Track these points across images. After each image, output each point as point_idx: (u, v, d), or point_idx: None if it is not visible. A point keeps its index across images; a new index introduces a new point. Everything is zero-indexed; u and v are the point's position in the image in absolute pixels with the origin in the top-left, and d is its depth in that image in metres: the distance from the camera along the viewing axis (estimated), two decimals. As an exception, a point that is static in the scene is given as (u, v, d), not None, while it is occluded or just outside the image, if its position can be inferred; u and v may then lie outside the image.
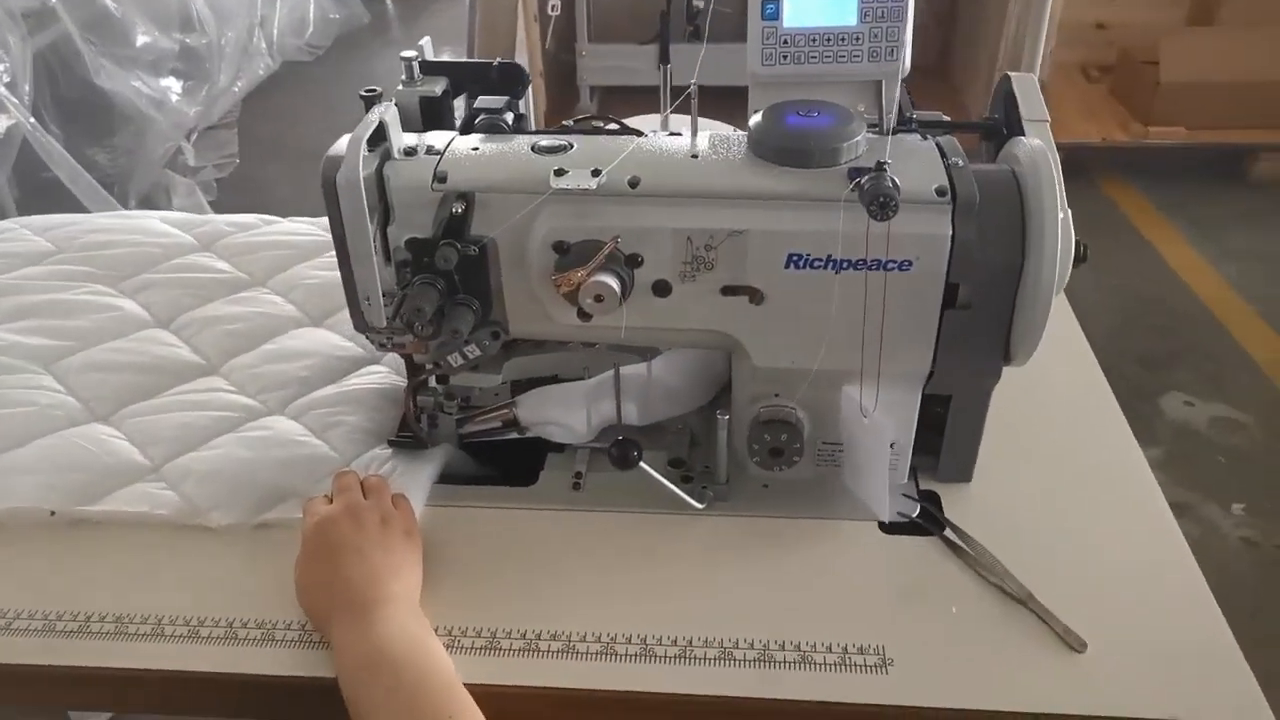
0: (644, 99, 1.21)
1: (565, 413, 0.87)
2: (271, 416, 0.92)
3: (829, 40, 0.77)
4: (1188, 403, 2.10)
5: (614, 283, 0.71)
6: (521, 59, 3.18)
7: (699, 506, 0.81)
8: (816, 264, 0.71)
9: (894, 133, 0.77)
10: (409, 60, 0.85)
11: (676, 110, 0.80)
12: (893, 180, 0.67)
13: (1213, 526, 1.80)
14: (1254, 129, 2.79)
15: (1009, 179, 0.73)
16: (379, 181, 0.75)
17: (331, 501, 0.78)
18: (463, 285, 0.77)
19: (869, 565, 0.78)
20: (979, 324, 0.73)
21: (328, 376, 0.96)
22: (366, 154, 0.75)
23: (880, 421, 0.76)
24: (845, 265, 0.71)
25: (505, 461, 0.90)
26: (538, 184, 0.72)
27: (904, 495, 0.82)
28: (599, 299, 0.72)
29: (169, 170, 2.96)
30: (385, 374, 0.96)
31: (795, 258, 0.71)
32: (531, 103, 0.92)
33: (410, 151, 0.76)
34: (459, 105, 0.91)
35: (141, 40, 2.93)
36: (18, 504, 0.82)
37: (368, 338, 0.82)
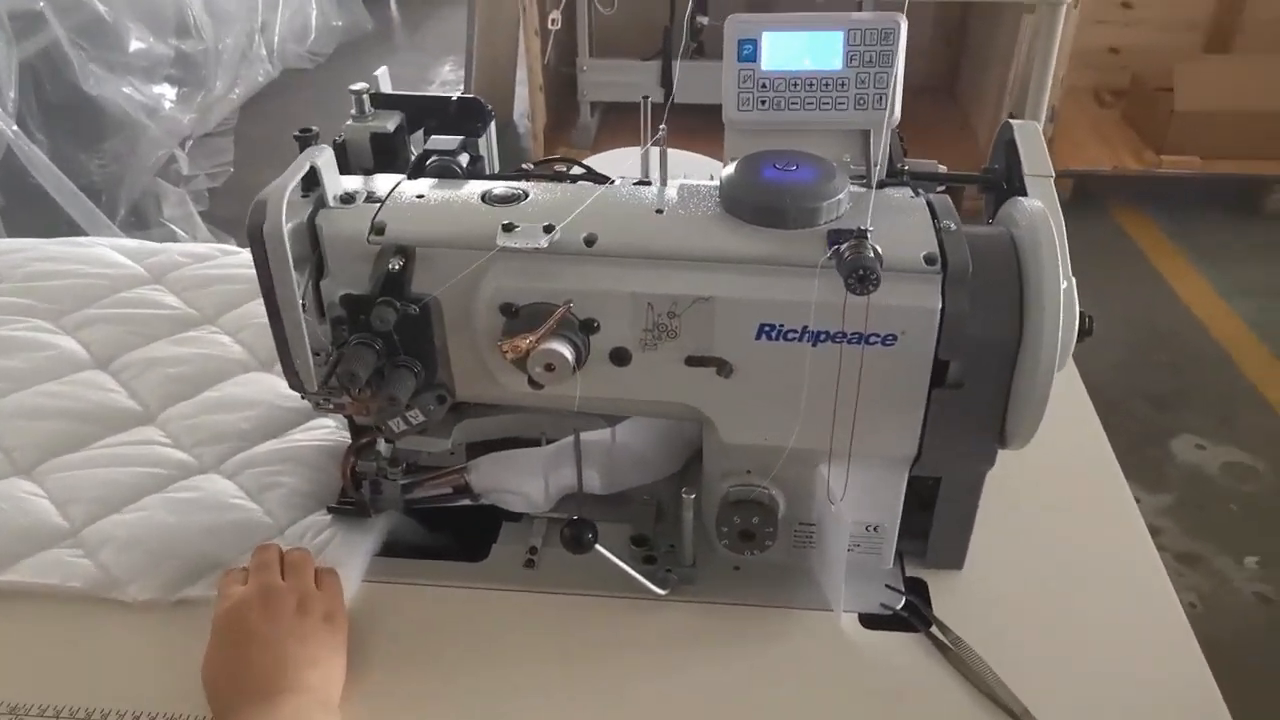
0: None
1: (522, 481, 0.80)
2: (205, 475, 0.85)
3: (811, 85, 0.70)
4: (1199, 446, 2.01)
5: (566, 351, 0.64)
6: (522, 72, 3.11)
7: (660, 593, 0.74)
8: (791, 335, 0.64)
9: (882, 186, 0.70)
10: (359, 93, 0.79)
11: (658, 143, 0.73)
12: (875, 250, 0.60)
13: (1224, 580, 1.71)
14: (1270, 160, 2.70)
15: (1006, 244, 0.65)
16: (311, 231, 0.68)
17: (248, 579, 0.71)
18: (403, 346, 0.70)
19: (846, 663, 0.70)
20: (971, 405, 0.66)
21: (270, 429, 0.89)
22: (300, 198, 0.68)
23: (840, 508, 0.69)
24: (823, 338, 0.64)
25: (456, 527, 0.83)
26: (484, 239, 0.65)
27: (888, 585, 0.75)
28: (549, 368, 0.65)
29: (160, 179, 2.90)
30: (333, 429, 0.89)
31: (767, 329, 0.64)
32: (494, 141, 0.85)
33: (348, 198, 0.69)
34: (419, 140, 0.84)
35: (135, 46, 2.87)
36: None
37: (303, 397, 0.75)
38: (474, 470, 0.81)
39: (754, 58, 0.70)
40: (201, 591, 0.74)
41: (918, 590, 0.75)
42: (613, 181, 0.75)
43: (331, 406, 0.75)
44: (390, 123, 0.79)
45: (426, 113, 0.82)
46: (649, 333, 0.66)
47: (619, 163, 1.13)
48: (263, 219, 0.65)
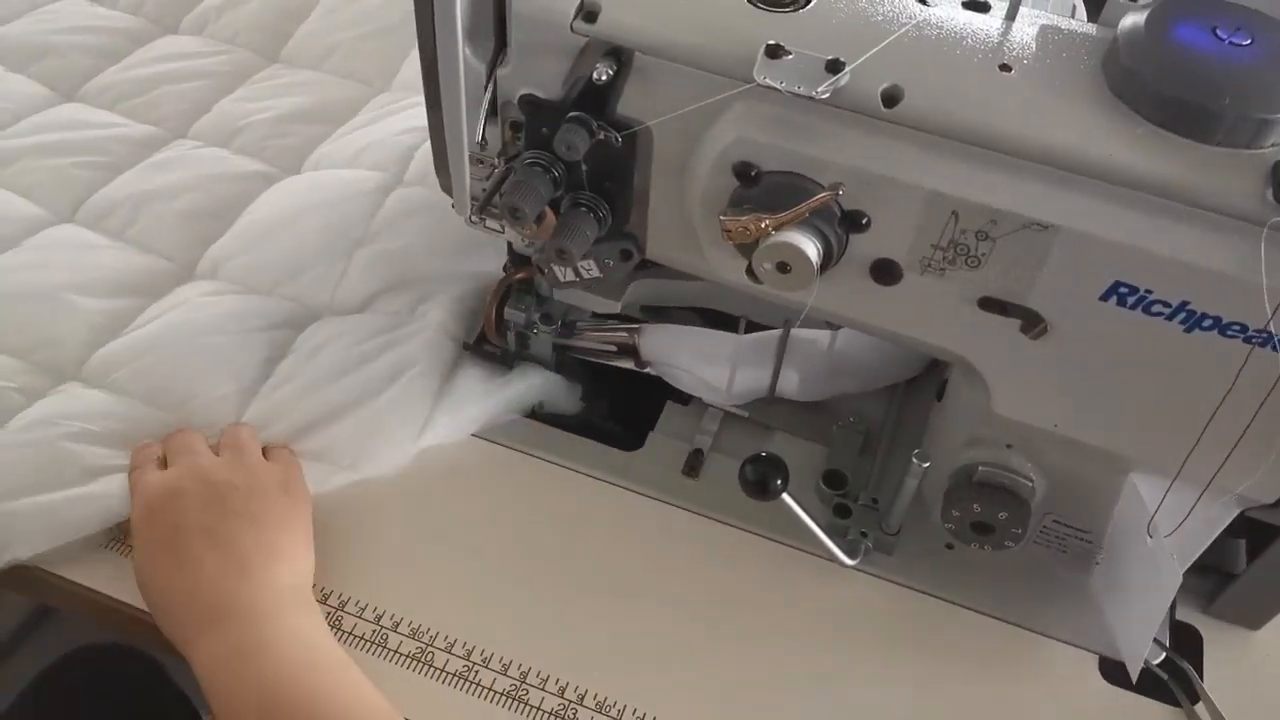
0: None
1: (702, 364, 0.62)
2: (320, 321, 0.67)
3: (1307, -97, 0.43)
4: None
5: (812, 249, 0.44)
6: None
7: (849, 563, 0.57)
8: (1157, 310, 0.42)
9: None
10: None
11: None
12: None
13: None
14: None
15: None
16: (498, -3, 0.48)
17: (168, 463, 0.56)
18: (590, 181, 0.51)
19: (1068, 720, 0.53)
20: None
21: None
22: (493, -59, 0.48)
23: (1168, 552, 0.49)
24: (1208, 325, 0.42)
25: (611, 397, 0.67)
26: (736, 61, 0.44)
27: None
28: (783, 267, 0.45)
29: None
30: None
31: (1124, 290, 0.42)
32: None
33: (560, -45, 0.48)
34: None
35: None
36: None
37: (453, 207, 0.58)
38: (646, 334, 0.64)
39: None
40: None
41: (1188, 644, 0.56)
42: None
43: (484, 225, 0.58)
44: None
45: None
46: (940, 251, 0.45)
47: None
48: (432, -35, 0.45)
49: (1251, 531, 0.53)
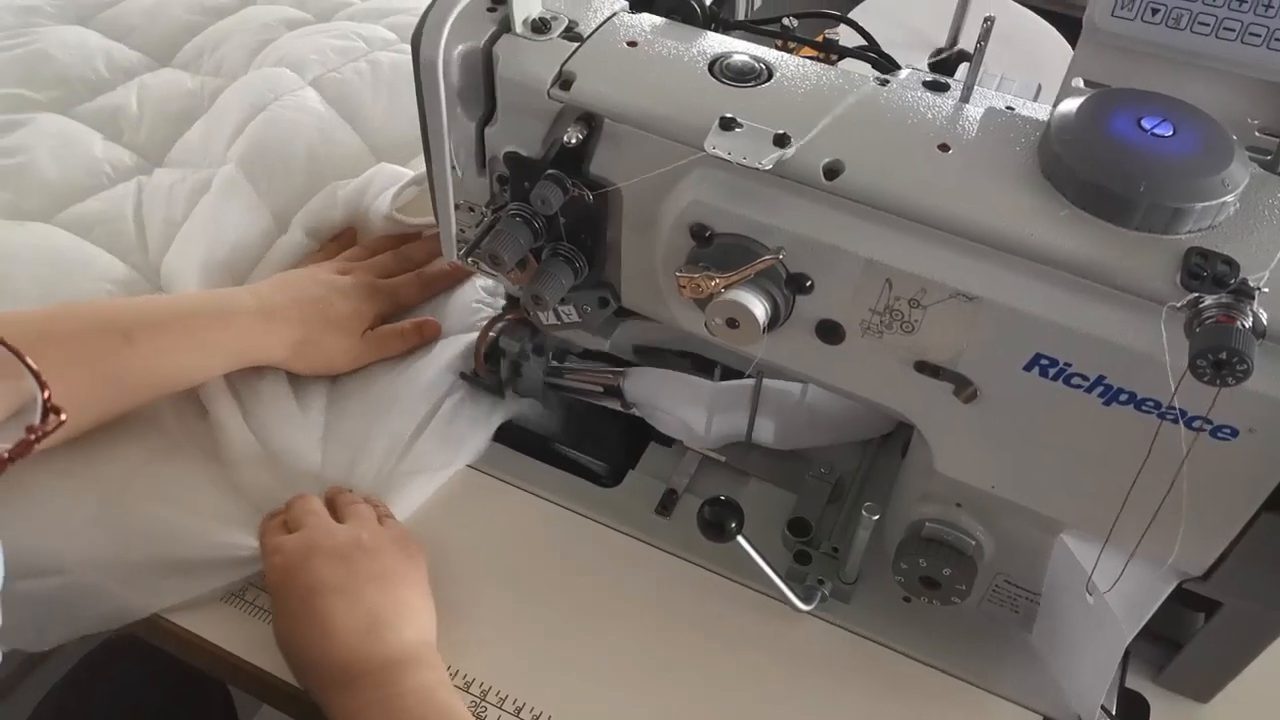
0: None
1: (682, 407, 0.66)
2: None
3: (1243, 1, 0.45)
4: None
5: (759, 309, 0.47)
6: None
7: (803, 609, 0.59)
8: (1077, 382, 0.44)
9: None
10: None
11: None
12: (1257, 319, 0.38)
13: None
14: None
15: None
16: (486, 61, 0.52)
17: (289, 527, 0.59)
18: (567, 232, 0.55)
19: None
20: (1316, 548, 0.44)
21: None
22: (487, 11, 0.52)
23: (1109, 608, 0.50)
24: (1124, 398, 0.44)
25: (596, 431, 0.70)
26: (693, 130, 0.47)
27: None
28: (732, 323, 0.48)
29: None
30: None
31: (1045, 362, 0.44)
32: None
33: (540, 26, 0.52)
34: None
35: None
36: None
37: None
38: (630, 377, 0.67)
39: (1163, -60, 0.45)
40: None
41: (1136, 713, 0.57)
42: (897, 71, 0.54)
43: (478, 270, 0.62)
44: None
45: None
46: (878, 315, 0.47)
47: (915, 8, 0.89)
48: (423, 32, 0.50)
49: (1210, 605, 0.54)
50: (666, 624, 0.60)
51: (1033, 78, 0.68)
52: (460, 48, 0.51)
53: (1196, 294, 0.39)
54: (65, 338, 0.58)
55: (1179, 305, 0.39)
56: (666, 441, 0.69)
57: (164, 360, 0.61)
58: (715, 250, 0.49)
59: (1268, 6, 0.45)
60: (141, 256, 0.73)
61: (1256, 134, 0.49)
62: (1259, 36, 0.45)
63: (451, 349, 0.70)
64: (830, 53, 0.58)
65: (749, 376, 0.62)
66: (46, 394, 0.39)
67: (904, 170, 0.46)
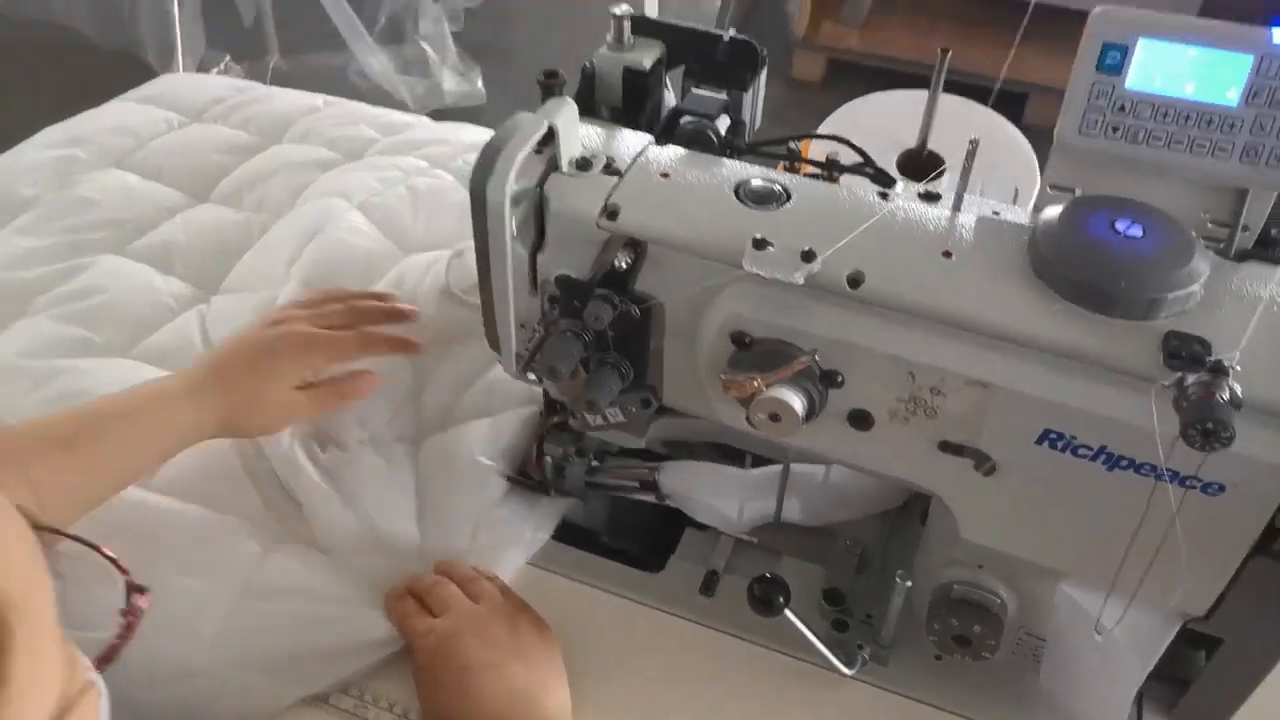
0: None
1: (715, 497, 0.71)
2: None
3: (1190, 120, 0.53)
4: None
5: (798, 404, 0.54)
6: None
7: (846, 673, 0.65)
8: (1083, 452, 0.51)
9: (1244, 258, 0.54)
10: (620, 19, 0.68)
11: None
12: (1233, 391, 0.45)
13: None
14: None
15: None
16: (538, 198, 0.59)
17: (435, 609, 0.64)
18: (615, 343, 0.61)
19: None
20: (1301, 584, 0.51)
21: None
22: (534, 153, 0.59)
23: (1118, 642, 0.56)
24: (1125, 465, 0.50)
25: (636, 522, 0.76)
26: (730, 250, 0.54)
27: (1116, 734, 0.62)
28: (775, 418, 0.55)
29: (425, -10, 2.85)
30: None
31: (1053, 437, 0.51)
32: (760, 96, 0.73)
33: (583, 164, 0.60)
34: (677, 76, 0.73)
35: None
36: None
37: (499, 360, 0.69)
38: (665, 471, 0.73)
39: (1119, 69, 0.54)
40: None
41: (1155, 748, 0.62)
42: (893, 186, 0.62)
43: (528, 379, 0.68)
44: (647, 58, 0.68)
45: (691, 48, 0.71)
46: (903, 404, 0.54)
47: (883, 113, 0.98)
48: (486, 178, 0.57)
49: (1210, 643, 0.60)
50: (721, 701, 0.64)
51: (1004, 176, 0.76)
52: (514, 187, 0.58)
53: (1180, 374, 0.46)
54: (6, 456, 0.59)
55: (1167, 384, 0.46)
56: (700, 526, 0.74)
57: (106, 462, 0.62)
58: (755, 354, 0.55)
59: (1209, 123, 0.53)
60: None
61: (1209, 225, 0.57)
62: (1205, 148, 0.53)
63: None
64: (833, 170, 0.65)
65: (781, 463, 0.68)
66: (127, 575, 0.42)
67: (916, 276, 0.53)
